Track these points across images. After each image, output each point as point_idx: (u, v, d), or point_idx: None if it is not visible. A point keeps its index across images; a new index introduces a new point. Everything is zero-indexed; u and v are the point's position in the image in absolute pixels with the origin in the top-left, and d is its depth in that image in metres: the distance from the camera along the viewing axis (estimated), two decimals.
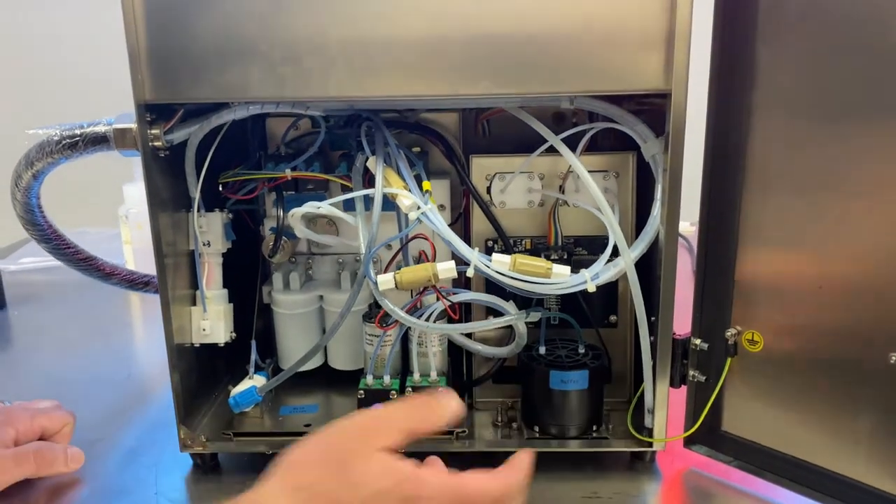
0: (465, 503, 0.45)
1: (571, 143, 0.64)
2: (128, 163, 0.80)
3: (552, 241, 0.69)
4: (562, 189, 0.68)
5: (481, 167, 0.69)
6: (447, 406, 0.48)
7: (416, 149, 0.71)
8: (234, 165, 0.69)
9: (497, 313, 0.66)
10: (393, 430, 0.46)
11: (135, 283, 0.85)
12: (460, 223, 0.73)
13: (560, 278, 0.60)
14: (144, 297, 1.10)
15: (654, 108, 0.61)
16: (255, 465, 0.66)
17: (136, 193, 1.12)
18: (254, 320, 0.75)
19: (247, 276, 0.77)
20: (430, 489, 0.44)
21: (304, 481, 0.44)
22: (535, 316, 0.65)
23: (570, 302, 0.70)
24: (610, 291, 0.71)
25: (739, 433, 0.63)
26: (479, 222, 0.70)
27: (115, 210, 1.19)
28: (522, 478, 0.48)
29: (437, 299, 0.63)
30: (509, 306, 0.64)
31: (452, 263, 0.60)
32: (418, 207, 0.60)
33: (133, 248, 1.14)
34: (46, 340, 1.00)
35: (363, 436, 0.45)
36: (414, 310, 0.65)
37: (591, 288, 0.60)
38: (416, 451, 0.48)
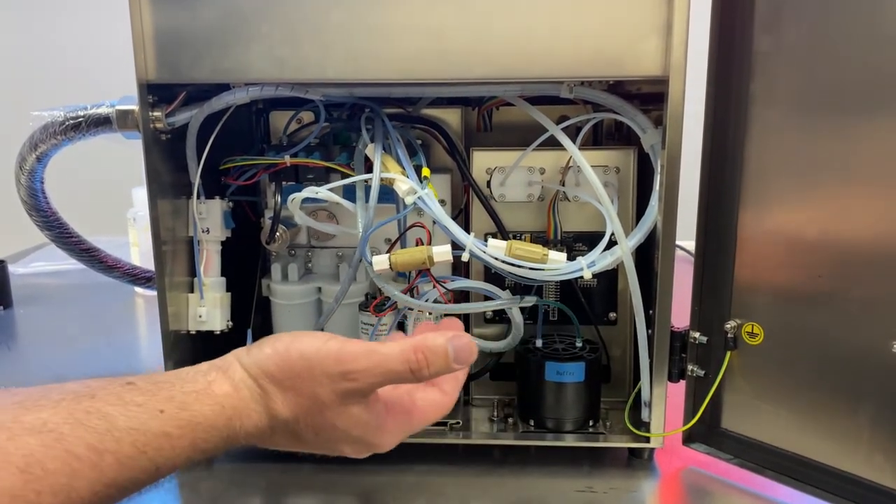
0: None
1: (573, 136, 0.63)
2: (138, 168, 0.81)
3: (551, 235, 0.68)
4: (562, 183, 0.68)
5: (482, 161, 0.69)
6: (443, 355, 0.44)
7: (419, 141, 0.71)
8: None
9: None
10: (377, 381, 0.44)
11: (137, 277, 0.85)
12: (461, 219, 0.73)
13: (556, 264, 0.59)
14: (149, 300, 1.11)
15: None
16: (246, 453, 0.66)
17: (144, 197, 1.12)
18: (251, 314, 0.75)
19: (247, 270, 0.77)
20: (389, 439, 0.48)
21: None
22: (529, 301, 0.64)
23: (570, 298, 0.69)
24: (610, 288, 0.70)
25: (739, 430, 0.62)
26: (478, 217, 0.70)
27: (125, 218, 1.20)
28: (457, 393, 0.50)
29: (433, 286, 0.63)
30: (504, 293, 0.64)
31: (448, 247, 0.60)
32: (415, 192, 0.60)
33: (140, 251, 1.14)
34: (49, 336, 1.00)
35: (339, 391, 0.44)
36: (409, 295, 0.65)
37: (588, 275, 0.59)
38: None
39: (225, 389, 0.43)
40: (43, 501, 0.34)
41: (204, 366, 0.45)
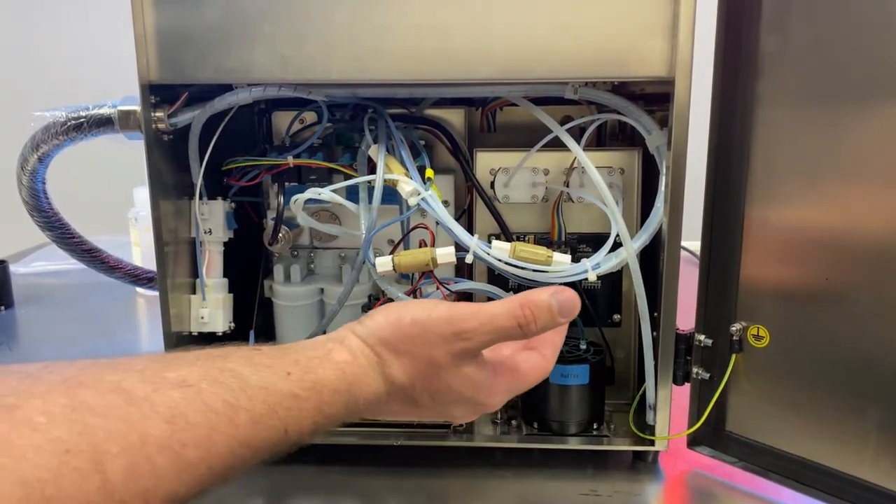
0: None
1: (577, 136, 0.63)
2: (140, 168, 0.81)
3: (555, 237, 0.68)
4: (566, 184, 0.68)
5: (486, 161, 0.69)
6: (548, 309, 0.47)
7: (422, 142, 0.71)
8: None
9: None
10: (488, 339, 0.46)
11: (138, 277, 0.85)
12: (464, 221, 0.73)
13: (561, 266, 0.59)
14: (150, 300, 1.11)
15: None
16: None
17: (146, 197, 1.12)
18: (254, 315, 0.75)
19: (250, 272, 0.76)
20: (497, 399, 0.50)
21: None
22: None
23: None
24: (614, 290, 0.70)
25: (744, 433, 0.62)
26: (482, 218, 0.69)
27: (126, 218, 1.19)
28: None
29: (436, 288, 0.63)
30: (507, 295, 0.63)
31: (452, 248, 0.59)
32: (418, 194, 0.60)
33: (141, 251, 1.14)
34: (49, 336, 1.00)
35: (453, 352, 0.46)
36: (412, 297, 0.64)
37: (592, 277, 0.59)
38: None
39: (344, 356, 0.45)
40: (187, 454, 0.35)
41: (321, 338, 0.47)
